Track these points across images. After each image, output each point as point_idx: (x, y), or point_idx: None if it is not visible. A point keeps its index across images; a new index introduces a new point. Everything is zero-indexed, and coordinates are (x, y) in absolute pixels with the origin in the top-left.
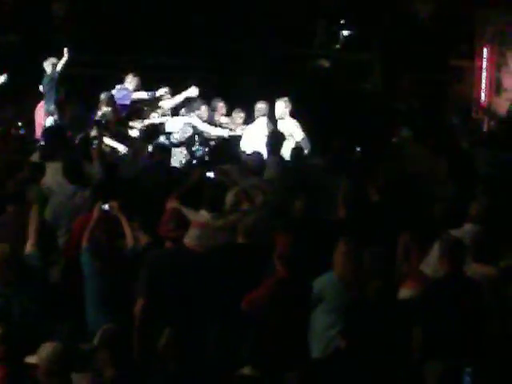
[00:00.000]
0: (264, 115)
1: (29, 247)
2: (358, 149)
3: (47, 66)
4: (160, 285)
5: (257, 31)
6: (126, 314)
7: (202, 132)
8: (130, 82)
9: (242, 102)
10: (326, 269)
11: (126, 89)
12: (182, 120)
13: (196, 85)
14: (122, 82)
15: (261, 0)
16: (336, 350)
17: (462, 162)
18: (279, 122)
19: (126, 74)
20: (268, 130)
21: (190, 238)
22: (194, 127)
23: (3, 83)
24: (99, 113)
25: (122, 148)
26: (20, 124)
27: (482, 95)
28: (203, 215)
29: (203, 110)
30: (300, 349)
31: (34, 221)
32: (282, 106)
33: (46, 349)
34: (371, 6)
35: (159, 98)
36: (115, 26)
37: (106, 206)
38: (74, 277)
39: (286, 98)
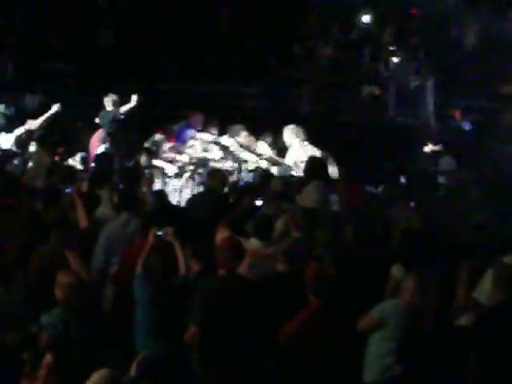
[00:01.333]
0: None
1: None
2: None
3: (107, 101)
4: (213, 312)
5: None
6: (176, 341)
7: (240, 158)
8: (196, 122)
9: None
10: (372, 298)
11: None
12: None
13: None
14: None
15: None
16: (393, 377)
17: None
18: (289, 149)
19: (192, 113)
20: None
21: (241, 266)
22: (232, 153)
23: (57, 112)
24: (151, 139)
25: (170, 170)
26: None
27: None
28: (254, 243)
29: (243, 135)
30: (342, 376)
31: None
32: (288, 134)
33: (96, 376)
34: (420, 33)
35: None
36: (162, 54)
37: (161, 232)
38: (125, 304)
39: (292, 126)
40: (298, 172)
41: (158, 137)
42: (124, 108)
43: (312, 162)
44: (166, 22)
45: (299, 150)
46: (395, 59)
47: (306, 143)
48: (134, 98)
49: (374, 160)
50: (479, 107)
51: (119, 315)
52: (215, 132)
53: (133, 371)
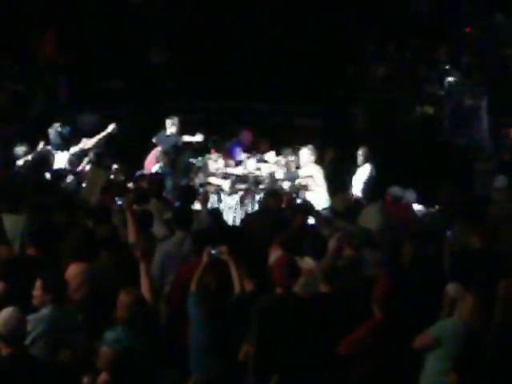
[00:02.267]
0: (367, 161)
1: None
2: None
3: (168, 124)
4: (270, 331)
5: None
6: (230, 361)
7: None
8: (246, 139)
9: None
10: (432, 315)
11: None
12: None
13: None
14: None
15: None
16: None
17: None
18: (303, 168)
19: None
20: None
21: (296, 286)
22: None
23: (113, 131)
24: (205, 158)
25: (226, 185)
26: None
27: None
28: (308, 262)
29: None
30: None
31: (143, 275)
32: (306, 154)
33: None
34: (477, 52)
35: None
36: (214, 72)
37: (215, 251)
38: (178, 323)
39: (311, 146)
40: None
41: (211, 155)
42: (187, 138)
43: (372, 184)
44: (219, 39)
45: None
46: (450, 78)
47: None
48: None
49: (429, 179)
50: None
51: (173, 335)
52: (265, 150)
53: None
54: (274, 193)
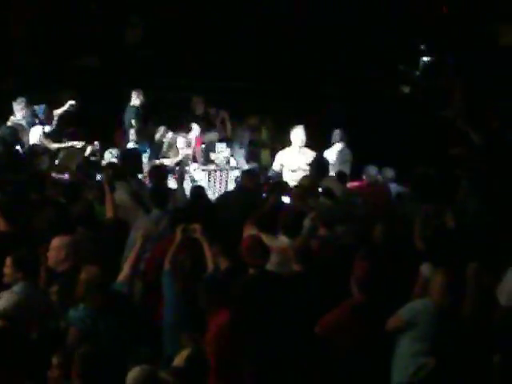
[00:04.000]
0: (340, 141)
1: (121, 277)
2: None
3: (134, 96)
4: (248, 311)
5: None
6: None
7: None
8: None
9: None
10: (404, 296)
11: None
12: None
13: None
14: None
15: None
16: (428, 375)
17: None
18: (300, 149)
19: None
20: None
21: (270, 264)
22: None
23: (70, 107)
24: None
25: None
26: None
27: None
28: (282, 241)
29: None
30: (377, 374)
31: (134, 255)
32: (301, 134)
33: (135, 372)
34: (453, 33)
35: None
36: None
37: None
38: (152, 300)
39: (302, 126)
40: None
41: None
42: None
43: (322, 161)
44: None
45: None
46: (425, 58)
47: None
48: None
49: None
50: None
51: (147, 311)
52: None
53: (180, 362)
54: (250, 172)
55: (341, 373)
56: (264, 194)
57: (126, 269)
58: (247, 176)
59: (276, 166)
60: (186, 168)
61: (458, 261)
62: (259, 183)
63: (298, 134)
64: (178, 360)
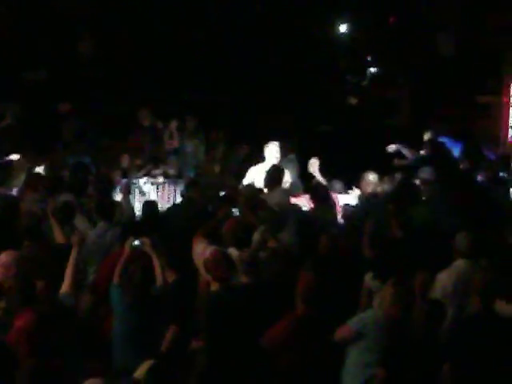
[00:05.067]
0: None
1: (64, 287)
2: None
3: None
4: (222, 326)
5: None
6: (154, 352)
7: None
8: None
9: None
10: (349, 307)
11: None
12: None
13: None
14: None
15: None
16: None
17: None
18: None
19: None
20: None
21: None
22: None
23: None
24: None
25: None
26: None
27: (510, 131)
28: (232, 253)
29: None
30: None
31: (72, 262)
32: (275, 150)
33: None
34: (397, 44)
35: None
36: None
37: (137, 242)
38: (101, 313)
39: (277, 143)
40: None
41: None
42: None
43: (274, 170)
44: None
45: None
46: (372, 69)
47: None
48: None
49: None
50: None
51: (96, 325)
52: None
53: (140, 374)
54: (195, 183)
55: None
56: (209, 206)
57: (66, 280)
58: (193, 188)
59: (247, 182)
60: (135, 181)
61: (406, 271)
62: (205, 195)
63: (272, 150)
64: (139, 372)
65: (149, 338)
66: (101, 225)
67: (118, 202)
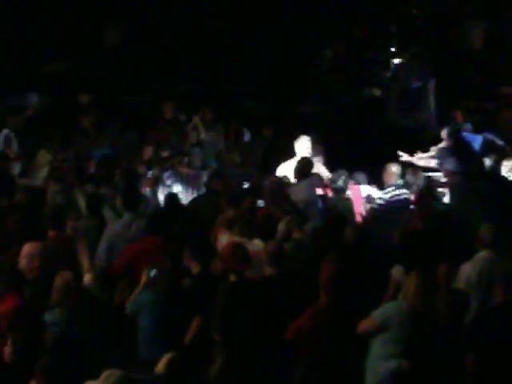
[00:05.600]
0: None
1: (87, 277)
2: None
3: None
4: (235, 318)
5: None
6: (179, 344)
7: None
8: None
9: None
10: (374, 298)
11: None
12: None
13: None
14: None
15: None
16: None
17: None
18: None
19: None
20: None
21: None
22: None
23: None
24: None
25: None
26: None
27: None
28: (257, 244)
29: None
30: (349, 377)
31: (84, 251)
32: (305, 145)
33: (112, 377)
34: (423, 35)
35: None
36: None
37: (154, 272)
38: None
39: (307, 137)
40: None
41: None
42: None
43: (303, 162)
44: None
45: None
46: (397, 60)
47: None
48: None
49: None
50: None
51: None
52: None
53: (159, 368)
54: (218, 174)
55: (313, 376)
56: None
57: (86, 270)
58: (216, 179)
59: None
60: (159, 173)
61: (430, 262)
62: (228, 185)
63: (303, 144)
64: (160, 365)
65: (175, 330)
66: (126, 216)
67: (143, 194)
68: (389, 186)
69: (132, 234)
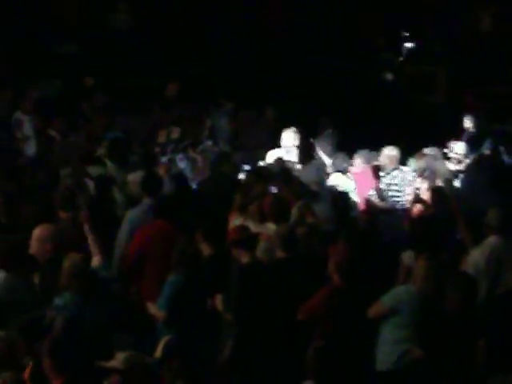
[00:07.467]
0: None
1: (96, 260)
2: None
3: None
4: (249, 299)
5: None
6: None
7: None
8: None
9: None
10: (385, 280)
11: None
12: None
13: None
14: None
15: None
16: (410, 363)
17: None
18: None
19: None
20: None
21: (257, 251)
22: None
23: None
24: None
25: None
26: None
27: None
28: (270, 228)
29: None
30: (359, 360)
31: (92, 235)
32: (291, 137)
33: (131, 359)
34: (435, 19)
35: None
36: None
37: None
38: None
39: (294, 129)
40: None
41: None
42: None
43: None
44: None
45: None
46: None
47: None
48: None
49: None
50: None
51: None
52: None
53: (159, 353)
54: (226, 157)
55: (324, 358)
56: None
57: (95, 254)
58: (224, 161)
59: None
60: (171, 157)
61: (440, 247)
62: (236, 167)
63: (289, 136)
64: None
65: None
66: (145, 201)
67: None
68: (393, 170)
69: (151, 219)
